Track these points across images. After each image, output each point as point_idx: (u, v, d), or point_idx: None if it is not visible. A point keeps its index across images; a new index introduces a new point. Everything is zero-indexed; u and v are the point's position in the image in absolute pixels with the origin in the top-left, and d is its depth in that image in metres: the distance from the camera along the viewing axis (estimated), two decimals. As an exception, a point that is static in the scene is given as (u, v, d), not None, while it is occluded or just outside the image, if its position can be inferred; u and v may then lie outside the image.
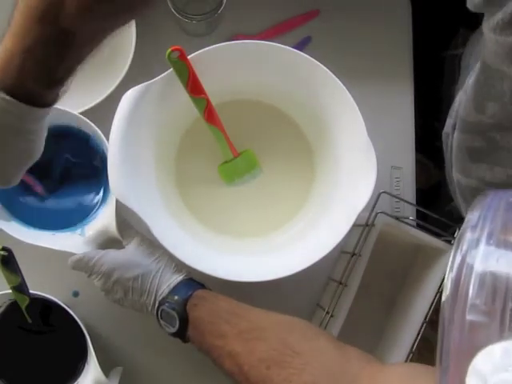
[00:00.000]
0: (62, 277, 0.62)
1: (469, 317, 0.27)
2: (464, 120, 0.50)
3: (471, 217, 0.30)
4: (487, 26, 0.39)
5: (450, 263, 0.29)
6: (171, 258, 0.54)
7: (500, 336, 0.26)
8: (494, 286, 0.27)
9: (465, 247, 0.29)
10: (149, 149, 0.58)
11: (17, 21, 0.38)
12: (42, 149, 0.47)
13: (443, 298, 0.29)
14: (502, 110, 0.44)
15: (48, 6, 0.36)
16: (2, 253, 0.49)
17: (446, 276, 0.29)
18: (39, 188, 0.60)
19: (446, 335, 0.28)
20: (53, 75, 0.40)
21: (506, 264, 0.27)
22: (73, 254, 0.54)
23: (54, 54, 0.39)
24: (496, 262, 0.28)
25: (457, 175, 0.54)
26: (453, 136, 0.56)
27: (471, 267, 0.28)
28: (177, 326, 0.50)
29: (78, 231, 0.59)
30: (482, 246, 0.28)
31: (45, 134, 0.47)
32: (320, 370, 0.42)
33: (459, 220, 0.59)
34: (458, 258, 0.29)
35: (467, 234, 0.29)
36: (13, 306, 0.58)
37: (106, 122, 0.53)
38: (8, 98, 0.40)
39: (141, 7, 0.40)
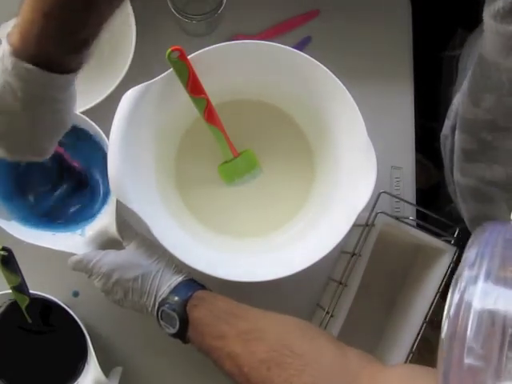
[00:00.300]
0: (62, 277, 0.62)
1: (467, 360, 0.27)
2: (462, 117, 0.50)
3: (469, 254, 0.30)
4: (488, 13, 0.39)
5: (448, 301, 0.29)
6: (171, 258, 0.54)
7: (496, 380, 0.26)
8: (491, 326, 0.27)
9: (463, 285, 0.29)
10: (149, 149, 0.58)
11: None
12: (72, 118, 0.47)
13: (442, 335, 0.28)
14: (498, 102, 0.43)
15: None
16: (2, 253, 0.49)
17: (445, 314, 0.29)
18: (76, 163, 0.60)
19: (445, 377, 0.28)
20: (75, 38, 0.40)
21: (503, 303, 0.27)
22: (73, 255, 0.54)
23: (74, 17, 0.38)
24: (494, 300, 0.27)
25: (456, 175, 0.54)
26: (452, 138, 0.56)
27: (469, 305, 0.27)
28: (177, 326, 0.50)
29: (79, 231, 0.59)
30: (481, 284, 0.28)
31: (74, 102, 0.46)
32: (320, 371, 0.42)
33: (459, 220, 0.59)
34: (456, 296, 0.28)
35: (465, 272, 0.29)
36: (13, 306, 0.58)
37: (106, 122, 0.53)
38: (30, 66, 0.39)
39: None
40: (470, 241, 0.32)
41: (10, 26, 0.40)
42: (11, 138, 0.45)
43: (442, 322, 0.29)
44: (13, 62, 0.39)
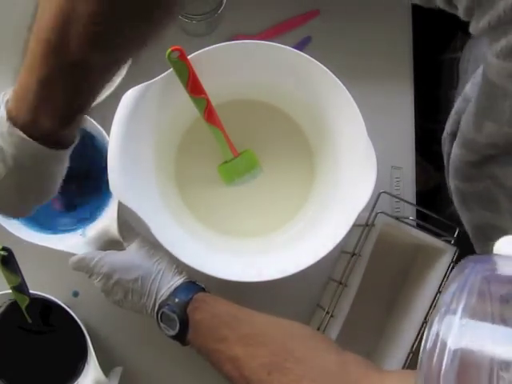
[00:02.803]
0: (61, 277, 0.62)
1: None
2: (463, 134, 0.49)
3: (448, 289, 0.30)
4: (490, 52, 0.38)
5: (424, 338, 0.29)
6: (172, 260, 0.54)
7: None
8: (465, 365, 0.26)
9: (440, 321, 0.28)
10: (149, 148, 0.58)
11: (29, 54, 0.37)
12: (58, 188, 0.46)
13: (417, 372, 0.28)
14: (498, 132, 0.42)
15: (58, 39, 0.35)
16: (2, 253, 0.49)
17: (421, 349, 0.29)
18: (58, 205, 0.60)
19: None
20: (68, 109, 0.39)
21: (478, 340, 0.27)
22: (74, 255, 0.54)
23: (67, 87, 0.38)
24: (469, 337, 0.27)
25: (456, 183, 0.53)
26: (450, 143, 0.56)
27: (444, 343, 0.27)
28: (177, 328, 0.50)
29: (80, 231, 0.59)
30: (457, 321, 0.28)
31: (64, 172, 0.46)
32: (320, 377, 0.42)
33: (459, 221, 0.59)
34: (433, 331, 0.28)
35: (443, 308, 0.29)
36: (13, 306, 0.58)
37: (106, 122, 0.53)
38: (22, 135, 0.39)
39: (152, 39, 0.39)
40: (450, 276, 0.32)
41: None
42: None
43: (419, 356, 0.28)
44: (8, 129, 0.39)
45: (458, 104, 0.55)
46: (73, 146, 0.43)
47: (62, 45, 0.36)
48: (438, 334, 0.28)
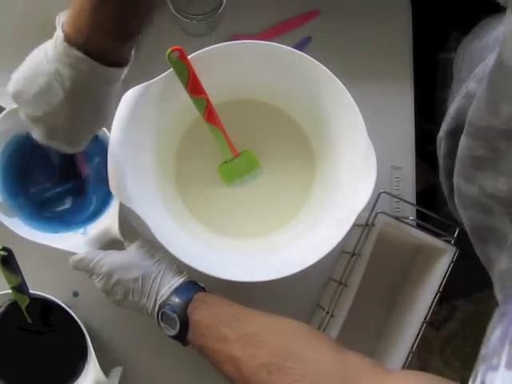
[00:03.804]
0: (62, 277, 0.62)
1: None
2: (473, 124, 0.49)
3: (491, 338, 0.30)
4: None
5: None
6: (172, 260, 0.54)
7: None
8: None
9: (483, 371, 0.29)
10: (149, 148, 0.58)
11: None
12: (111, 114, 0.47)
13: None
14: None
15: None
16: (2, 253, 0.49)
17: None
18: (85, 169, 0.60)
19: None
20: (124, 27, 0.40)
21: None
22: (74, 254, 0.54)
23: (124, 6, 0.39)
24: None
25: (458, 180, 0.53)
26: (447, 141, 0.55)
27: None
28: (177, 328, 0.50)
29: (81, 231, 0.59)
30: (501, 372, 0.28)
31: (115, 98, 0.47)
32: (322, 376, 0.42)
33: (457, 221, 0.59)
34: (478, 381, 0.29)
35: (486, 358, 0.29)
36: (13, 306, 0.58)
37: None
38: (81, 55, 0.40)
39: None
40: (491, 324, 0.32)
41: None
42: (51, 123, 0.45)
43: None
44: (65, 49, 0.40)
45: (458, 102, 0.54)
46: (128, 65, 0.44)
47: None
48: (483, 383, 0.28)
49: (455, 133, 0.55)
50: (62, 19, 0.41)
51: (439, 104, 0.69)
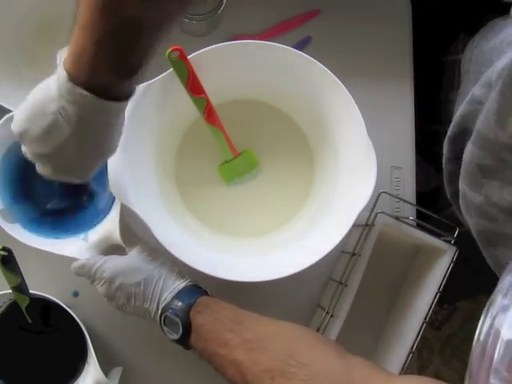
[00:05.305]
0: (61, 277, 0.62)
1: (492, 380, 0.28)
2: (481, 133, 0.49)
3: (503, 283, 0.31)
4: None
5: (479, 326, 0.30)
6: (174, 264, 0.53)
7: None
8: None
9: (494, 312, 0.30)
10: (149, 148, 0.58)
11: (82, 13, 0.38)
12: (118, 144, 0.47)
13: (471, 356, 0.30)
14: None
15: None
16: (2, 253, 0.49)
17: (475, 337, 0.30)
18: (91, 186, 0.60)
19: None
20: (126, 63, 0.40)
21: None
22: (75, 259, 0.54)
23: (124, 43, 0.39)
24: None
25: (463, 186, 0.53)
26: (449, 147, 0.55)
27: (498, 333, 0.28)
28: (180, 332, 0.49)
29: (82, 236, 0.58)
30: (511, 313, 0.29)
31: (122, 127, 0.47)
32: (325, 381, 0.42)
33: (459, 222, 0.59)
34: (488, 322, 0.29)
35: (498, 299, 0.30)
36: (13, 306, 0.58)
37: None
38: (85, 92, 0.40)
39: None
40: (507, 267, 0.33)
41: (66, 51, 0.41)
42: (58, 160, 0.45)
43: (473, 344, 0.30)
44: (69, 88, 0.40)
45: (462, 107, 0.54)
46: (131, 96, 0.44)
47: (113, 3, 0.36)
48: (492, 324, 0.29)
49: (458, 138, 0.55)
50: (63, 57, 0.41)
51: (445, 106, 0.69)
